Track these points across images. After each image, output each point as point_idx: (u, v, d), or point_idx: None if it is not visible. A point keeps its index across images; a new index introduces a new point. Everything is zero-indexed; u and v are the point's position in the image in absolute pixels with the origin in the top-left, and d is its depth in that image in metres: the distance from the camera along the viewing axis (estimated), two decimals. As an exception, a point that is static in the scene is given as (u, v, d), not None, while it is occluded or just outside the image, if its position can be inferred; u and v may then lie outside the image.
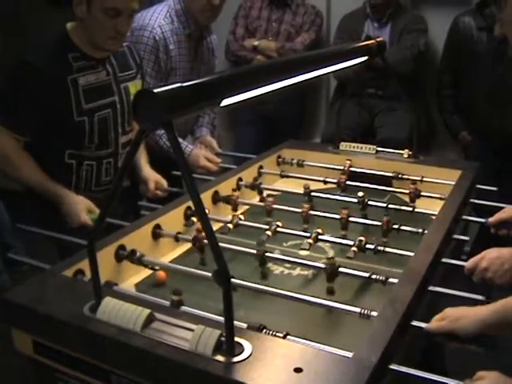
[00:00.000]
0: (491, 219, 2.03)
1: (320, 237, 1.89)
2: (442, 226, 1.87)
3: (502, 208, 2.06)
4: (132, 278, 1.77)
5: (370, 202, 2.22)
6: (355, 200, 2.23)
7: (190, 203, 2.04)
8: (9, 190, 2.47)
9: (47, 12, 4.92)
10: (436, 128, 4.05)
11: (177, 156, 1.09)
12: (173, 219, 1.97)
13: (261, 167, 2.58)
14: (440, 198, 2.24)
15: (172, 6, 2.92)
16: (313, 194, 2.35)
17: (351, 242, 1.84)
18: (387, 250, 1.81)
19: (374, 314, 1.39)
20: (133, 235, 1.80)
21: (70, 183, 2.34)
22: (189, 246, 1.91)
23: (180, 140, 2.83)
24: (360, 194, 2.24)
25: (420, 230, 1.92)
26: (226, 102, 1.28)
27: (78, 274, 1.60)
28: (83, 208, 2.21)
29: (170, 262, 1.86)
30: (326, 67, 1.84)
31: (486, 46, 3.60)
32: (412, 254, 1.73)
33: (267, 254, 1.76)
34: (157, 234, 1.88)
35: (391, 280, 1.57)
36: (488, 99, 3.62)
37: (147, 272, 1.78)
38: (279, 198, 2.35)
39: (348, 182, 2.47)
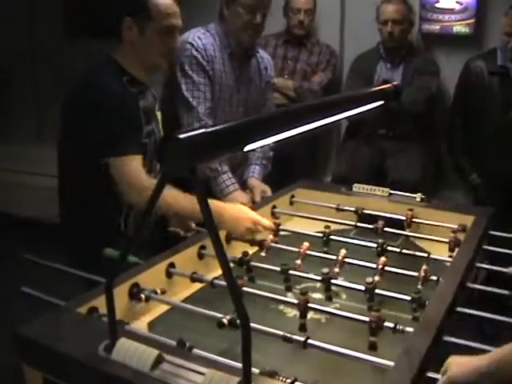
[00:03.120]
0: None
1: (335, 281, 1.88)
2: (457, 274, 1.86)
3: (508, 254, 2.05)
4: (145, 317, 1.76)
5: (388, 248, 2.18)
6: (370, 244, 2.21)
7: (204, 242, 2.05)
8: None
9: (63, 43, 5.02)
10: (445, 169, 4.06)
11: (202, 208, 1.09)
12: (187, 258, 1.96)
13: (274, 207, 2.58)
14: (454, 244, 2.23)
15: (209, 29, 2.91)
16: (331, 237, 2.30)
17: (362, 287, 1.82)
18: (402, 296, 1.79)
19: (389, 363, 1.38)
20: (147, 273, 1.80)
21: (121, 212, 2.33)
22: (202, 284, 1.91)
23: (226, 176, 2.80)
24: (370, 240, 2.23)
25: (435, 278, 1.91)
26: (249, 147, 1.29)
27: (92, 312, 1.60)
28: (247, 217, 2.21)
29: (183, 300, 1.85)
30: (344, 112, 1.85)
31: (497, 90, 3.64)
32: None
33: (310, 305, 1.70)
34: (171, 272, 1.88)
35: (403, 327, 1.56)
36: (498, 143, 3.65)
37: (160, 310, 1.77)
38: (291, 238, 2.34)
39: (359, 224, 2.47)
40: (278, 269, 1.94)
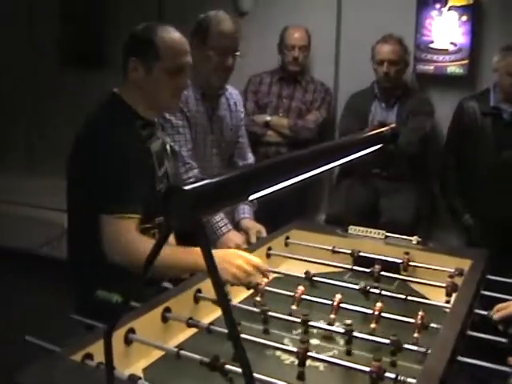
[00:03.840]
0: (496, 317, 1.99)
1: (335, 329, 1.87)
2: (457, 321, 1.85)
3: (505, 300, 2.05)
4: (140, 363, 1.72)
5: (381, 292, 2.16)
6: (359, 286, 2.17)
7: (200, 285, 2.03)
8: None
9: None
10: (438, 210, 4.06)
11: (206, 259, 1.07)
12: (182, 302, 1.93)
13: (269, 248, 2.56)
14: (451, 289, 2.21)
15: None
16: (315, 278, 2.28)
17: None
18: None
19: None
20: (143, 318, 1.77)
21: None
22: (195, 330, 1.88)
23: (218, 217, 2.75)
24: (362, 283, 2.19)
25: (435, 325, 1.88)
26: (253, 196, 1.27)
27: (86, 359, 1.56)
28: (234, 256, 2.10)
29: (179, 345, 1.82)
30: (345, 157, 1.85)
31: (489, 131, 3.67)
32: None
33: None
34: (166, 317, 1.85)
35: (405, 378, 1.53)
36: (491, 184, 3.67)
37: (155, 355, 1.74)
38: (285, 281, 2.32)
39: (354, 267, 2.45)
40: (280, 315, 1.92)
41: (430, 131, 3.87)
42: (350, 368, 1.61)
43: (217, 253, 2.02)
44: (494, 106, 3.69)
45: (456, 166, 3.85)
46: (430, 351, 1.69)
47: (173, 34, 2.20)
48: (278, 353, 1.80)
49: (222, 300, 1.10)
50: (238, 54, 2.84)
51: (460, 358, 1.71)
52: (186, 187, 1.09)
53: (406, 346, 1.74)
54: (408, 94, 3.95)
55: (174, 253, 2.08)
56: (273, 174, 1.37)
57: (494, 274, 2.40)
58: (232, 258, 2.08)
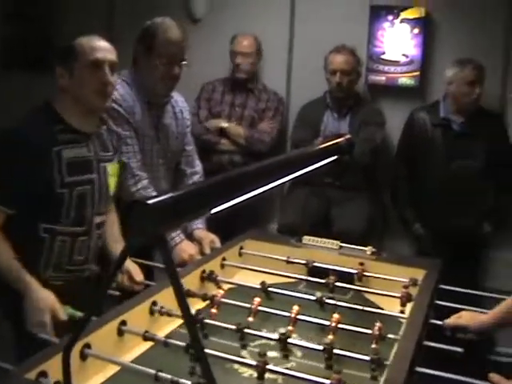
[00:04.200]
0: (447, 322, 2.06)
1: (293, 340, 1.85)
2: (414, 331, 1.86)
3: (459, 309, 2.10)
4: (96, 379, 1.68)
5: (337, 302, 2.17)
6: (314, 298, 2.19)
7: (156, 297, 2.00)
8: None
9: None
10: (390, 219, 4.10)
11: (169, 275, 1.04)
12: (138, 315, 1.90)
13: (224, 259, 2.54)
14: (406, 299, 2.22)
15: (124, 78, 2.82)
16: (270, 289, 2.28)
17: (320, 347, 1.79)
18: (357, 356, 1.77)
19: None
20: (98, 333, 1.73)
21: (40, 259, 2.24)
22: (151, 344, 1.85)
23: None
24: (318, 294, 2.21)
25: (392, 336, 1.89)
26: (216, 209, 1.26)
27: (40, 376, 1.51)
28: (47, 308, 2.05)
29: (135, 360, 1.78)
30: (303, 168, 1.85)
31: (439, 142, 3.72)
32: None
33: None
34: (122, 330, 1.81)
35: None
36: (441, 194, 3.72)
37: (112, 370, 1.70)
38: (240, 292, 2.30)
39: (309, 278, 2.45)
40: (233, 327, 1.90)
41: (381, 142, 3.90)
42: (310, 381, 1.61)
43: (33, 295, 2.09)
44: (443, 117, 3.74)
45: (407, 176, 3.88)
46: (387, 362, 1.70)
47: (93, 37, 2.26)
48: (236, 366, 1.78)
49: (186, 314, 1.07)
50: (184, 62, 2.81)
51: (418, 369, 1.73)
52: (149, 201, 1.07)
53: (362, 356, 1.75)
54: (360, 104, 3.97)
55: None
56: (234, 186, 1.35)
57: (445, 283, 2.43)
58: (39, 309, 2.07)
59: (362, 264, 2.52)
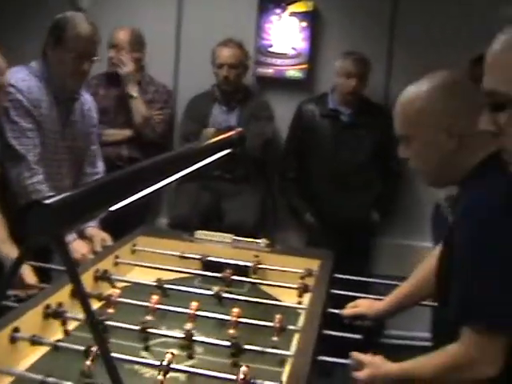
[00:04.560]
0: (346, 312, 2.11)
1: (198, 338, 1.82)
2: (314, 322, 1.87)
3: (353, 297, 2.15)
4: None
5: (235, 296, 2.16)
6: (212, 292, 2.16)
7: (49, 300, 1.91)
8: None
9: None
10: (280, 211, 4.13)
11: (70, 275, 0.99)
12: (31, 320, 1.80)
13: (117, 257, 2.47)
14: (303, 289, 2.24)
15: (32, 70, 2.73)
16: (166, 286, 2.22)
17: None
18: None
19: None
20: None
21: None
22: (48, 348, 1.76)
23: None
24: (215, 288, 2.19)
25: (291, 327, 1.90)
26: (116, 206, 1.20)
27: None
28: None
29: (28, 369, 1.69)
30: (197, 163, 1.82)
31: (328, 132, 3.79)
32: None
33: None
34: (14, 338, 1.71)
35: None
36: (330, 183, 3.80)
37: (6, 381, 1.60)
38: (134, 290, 2.24)
39: (203, 273, 2.43)
40: (136, 327, 1.84)
41: (271, 136, 3.93)
42: (214, 377, 1.58)
43: None
44: (332, 108, 3.81)
45: (296, 167, 3.94)
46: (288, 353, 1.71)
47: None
48: (137, 366, 1.73)
49: (89, 316, 1.02)
50: (95, 58, 2.75)
51: (321, 358, 1.74)
52: (47, 201, 1.00)
53: (268, 349, 1.75)
54: (249, 97, 3.97)
55: None
56: (133, 183, 1.31)
57: (337, 272, 2.47)
58: None
59: (256, 256, 2.51)
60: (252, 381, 1.52)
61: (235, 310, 1.93)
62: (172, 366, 1.58)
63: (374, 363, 1.68)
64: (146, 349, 1.85)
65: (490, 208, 1.51)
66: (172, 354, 1.59)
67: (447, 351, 1.57)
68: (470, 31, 3.88)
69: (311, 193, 3.90)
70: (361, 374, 1.67)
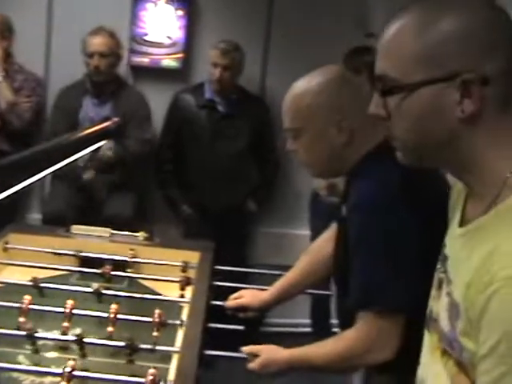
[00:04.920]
0: (229, 303, 2.09)
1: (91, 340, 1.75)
2: (199, 316, 1.85)
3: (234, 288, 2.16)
4: None
5: (107, 292, 2.10)
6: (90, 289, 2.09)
7: None
8: None
9: None
10: (157, 202, 4.06)
11: None
12: None
13: (-13, 256, 2.33)
14: (185, 283, 2.21)
15: None
16: (42, 284, 2.12)
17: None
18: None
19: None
20: None
21: None
22: None
23: None
24: (94, 285, 2.11)
25: (178, 322, 1.86)
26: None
27: None
28: None
29: None
30: (74, 154, 1.74)
31: (205, 123, 3.76)
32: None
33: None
34: None
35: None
36: (208, 174, 3.78)
37: None
38: (4, 290, 2.14)
39: (81, 269, 2.35)
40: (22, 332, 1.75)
41: (151, 136, 3.85)
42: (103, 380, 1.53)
43: None
44: (209, 98, 3.78)
45: (173, 158, 3.88)
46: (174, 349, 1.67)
47: None
48: (16, 374, 1.63)
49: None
50: None
51: (207, 352, 1.72)
52: None
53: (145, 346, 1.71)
54: (123, 88, 3.83)
55: None
56: (7, 176, 1.22)
57: (216, 263, 2.46)
58: None
59: (132, 250, 2.45)
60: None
61: (113, 307, 1.88)
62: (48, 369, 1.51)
63: (266, 351, 1.70)
64: (36, 352, 1.76)
65: (380, 197, 1.55)
66: (74, 359, 1.54)
67: (343, 337, 1.62)
68: (346, 24, 3.98)
69: (188, 184, 3.86)
70: (255, 363, 1.68)
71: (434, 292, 1.19)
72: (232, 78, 3.75)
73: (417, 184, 1.53)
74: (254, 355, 1.69)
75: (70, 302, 1.87)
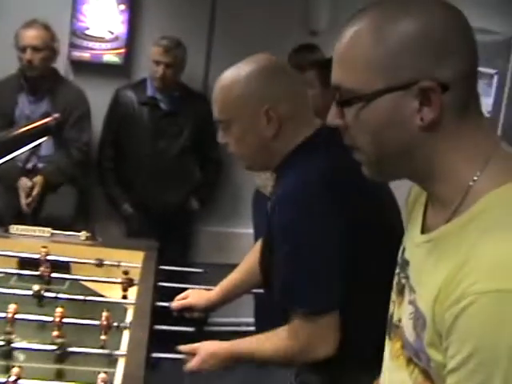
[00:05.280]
0: (175, 304, 2.07)
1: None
2: (145, 318, 1.82)
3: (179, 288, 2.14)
4: None
5: (48, 294, 2.03)
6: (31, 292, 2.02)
7: None
8: None
9: None
10: (98, 201, 3.98)
11: None
12: None
13: None
14: (127, 284, 2.17)
15: None
16: None
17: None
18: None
19: None
20: None
21: None
22: None
23: None
24: (35, 287, 2.04)
25: (123, 324, 1.82)
26: None
27: None
28: None
29: None
30: (14, 151, 1.67)
31: (147, 120, 3.70)
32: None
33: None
34: None
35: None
36: (149, 173, 3.72)
37: None
38: None
39: (19, 271, 2.27)
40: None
41: (90, 134, 3.75)
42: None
43: None
44: (150, 95, 3.72)
45: (114, 155, 3.81)
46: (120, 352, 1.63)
47: None
48: None
49: None
50: None
51: (154, 355, 1.69)
52: None
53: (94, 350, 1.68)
54: (61, 83, 3.68)
55: None
56: None
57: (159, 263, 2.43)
58: None
59: (74, 250, 2.40)
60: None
61: (59, 310, 1.82)
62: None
63: (202, 347, 1.70)
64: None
65: (301, 197, 1.54)
66: (19, 367, 1.49)
67: (279, 335, 1.61)
68: (290, 21, 3.98)
69: (130, 182, 3.79)
70: (193, 362, 1.68)
71: (394, 297, 1.18)
72: (174, 75, 3.69)
73: (344, 179, 1.52)
74: (193, 354, 1.69)
75: (12, 306, 1.81)
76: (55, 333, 1.76)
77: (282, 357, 1.60)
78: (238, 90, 1.64)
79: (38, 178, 3.43)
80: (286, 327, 1.58)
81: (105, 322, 1.79)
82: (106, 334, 1.77)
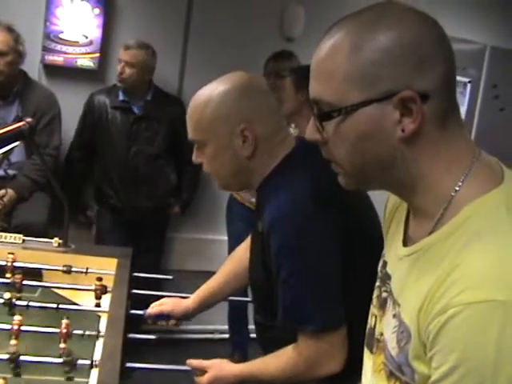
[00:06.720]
0: (151, 312, 2.05)
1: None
2: (119, 326, 1.78)
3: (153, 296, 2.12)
4: None
5: (19, 302, 1.99)
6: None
7: None
8: None
9: None
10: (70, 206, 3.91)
11: None
12: None
13: None
14: (100, 291, 2.13)
15: None
16: None
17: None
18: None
19: None
20: None
21: None
22: None
23: None
24: (6, 295, 1.99)
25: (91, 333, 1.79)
26: None
27: None
28: None
29: None
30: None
31: (119, 125, 3.68)
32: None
33: None
34: None
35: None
36: (121, 177, 3.69)
37: None
38: None
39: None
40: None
41: (60, 143, 3.68)
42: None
43: None
44: (123, 100, 3.69)
45: (84, 160, 3.79)
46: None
47: None
48: None
49: None
50: None
51: (129, 365, 1.66)
52: None
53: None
54: (30, 87, 3.59)
55: None
56: None
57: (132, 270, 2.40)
58: None
59: (46, 257, 2.36)
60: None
61: (17, 318, 1.79)
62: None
63: (215, 366, 1.69)
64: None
65: (298, 216, 1.51)
66: (4, 378, 1.47)
67: (286, 354, 1.59)
68: (266, 27, 3.97)
69: (102, 186, 3.77)
70: (203, 379, 1.68)
71: (375, 310, 1.16)
72: (139, 77, 3.64)
73: (331, 193, 1.45)
74: (202, 370, 1.69)
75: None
76: (13, 342, 1.72)
77: (288, 376, 1.59)
78: (213, 110, 1.59)
79: (9, 192, 3.36)
80: (292, 346, 1.57)
81: (64, 330, 1.76)
82: (65, 342, 1.74)
